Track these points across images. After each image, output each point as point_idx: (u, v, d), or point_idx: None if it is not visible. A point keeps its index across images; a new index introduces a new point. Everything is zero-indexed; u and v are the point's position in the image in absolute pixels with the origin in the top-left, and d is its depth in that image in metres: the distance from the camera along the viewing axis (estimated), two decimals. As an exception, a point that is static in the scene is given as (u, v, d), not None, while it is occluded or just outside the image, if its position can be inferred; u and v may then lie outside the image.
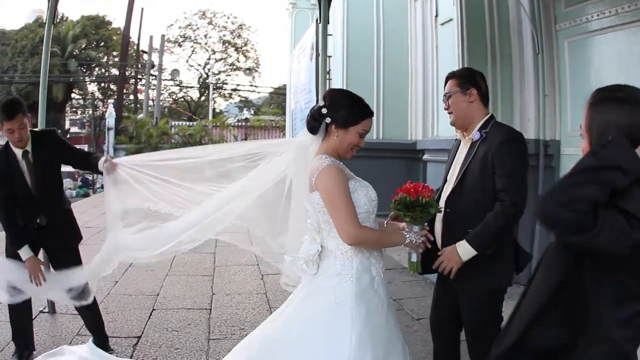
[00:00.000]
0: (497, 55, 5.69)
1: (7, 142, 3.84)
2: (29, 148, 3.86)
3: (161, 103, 33.03)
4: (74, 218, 4.19)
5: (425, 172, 7.16)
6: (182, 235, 3.25)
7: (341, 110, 2.50)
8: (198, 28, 38.39)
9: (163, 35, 32.64)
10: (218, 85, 37.34)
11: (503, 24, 5.73)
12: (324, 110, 2.51)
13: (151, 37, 33.98)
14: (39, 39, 35.51)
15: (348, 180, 2.43)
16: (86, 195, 21.82)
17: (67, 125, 37.55)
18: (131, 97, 35.13)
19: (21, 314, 3.97)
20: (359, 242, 2.41)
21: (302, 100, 12.10)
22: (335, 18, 9.75)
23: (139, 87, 33.94)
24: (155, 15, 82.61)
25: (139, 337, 4.51)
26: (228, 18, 38.55)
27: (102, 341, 4.07)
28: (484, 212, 2.75)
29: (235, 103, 39.27)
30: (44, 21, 5.23)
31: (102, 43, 36.21)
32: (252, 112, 38.06)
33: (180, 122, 27.50)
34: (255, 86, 39.06)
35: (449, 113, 3.03)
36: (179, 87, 37.75)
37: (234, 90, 38.16)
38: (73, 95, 38.47)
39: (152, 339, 4.47)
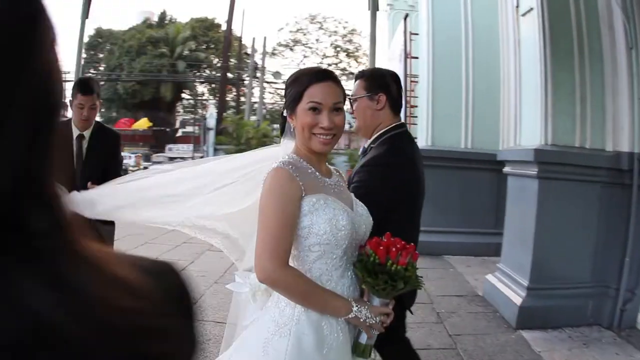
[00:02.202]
0: (585, 50, 4.78)
1: (70, 120, 3.83)
2: (86, 134, 3.85)
3: (270, 106, 33.54)
4: (113, 222, 3.94)
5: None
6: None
7: (286, 94, 2.01)
8: (309, 32, 38.71)
9: (265, 37, 33.14)
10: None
11: (591, 14, 4.82)
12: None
13: (253, 39, 34.70)
14: (146, 39, 37.48)
15: (305, 194, 1.83)
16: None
17: (177, 125, 39.10)
18: (241, 98, 35.85)
19: None
20: (272, 284, 1.84)
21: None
22: (420, 15, 9.01)
23: (244, 89, 34.56)
24: (263, 17, 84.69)
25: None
26: (339, 23, 38.56)
27: None
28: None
29: (348, 109, 38.45)
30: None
31: (212, 45, 37.33)
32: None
33: None
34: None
35: (353, 118, 2.76)
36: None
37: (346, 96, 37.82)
38: (183, 95, 40.13)
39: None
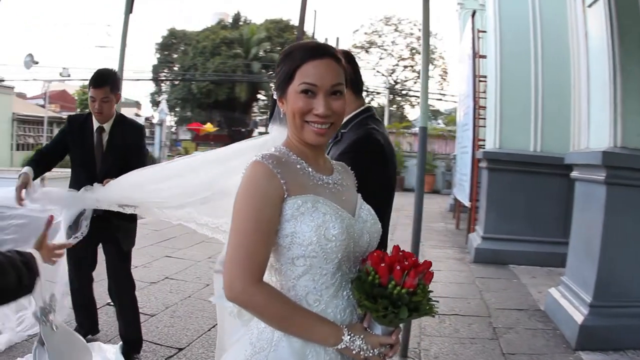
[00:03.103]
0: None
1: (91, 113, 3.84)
2: (106, 127, 3.83)
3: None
4: (135, 221, 3.99)
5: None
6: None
7: (277, 72, 1.65)
8: (384, 34, 38.34)
9: (338, 38, 32.97)
10: (404, 92, 36.85)
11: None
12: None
13: (326, 40, 34.62)
14: (220, 40, 38.17)
15: (288, 195, 1.50)
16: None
17: (250, 125, 39.62)
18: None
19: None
20: (243, 305, 1.52)
21: (464, 107, 11.02)
22: (487, 12, 8.57)
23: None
24: (337, 19, 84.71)
25: (180, 349, 4.21)
26: (414, 25, 37.89)
27: (128, 349, 3.88)
28: None
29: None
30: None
31: (287, 46, 37.72)
32: (440, 121, 36.70)
33: None
34: (443, 94, 37.76)
35: None
36: (366, 93, 37.91)
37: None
38: (259, 96, 40.66)
39: (192, 355, 4.13)
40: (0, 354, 3.81)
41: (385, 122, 27.39)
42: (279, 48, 38.46)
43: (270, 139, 1.85)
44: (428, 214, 12.80)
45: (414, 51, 38.14)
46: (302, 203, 1.51)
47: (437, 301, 1.57)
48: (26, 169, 3.53)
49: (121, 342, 3.89)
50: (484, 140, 9.06)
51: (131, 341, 3.91)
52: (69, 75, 32.22)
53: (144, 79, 40.80)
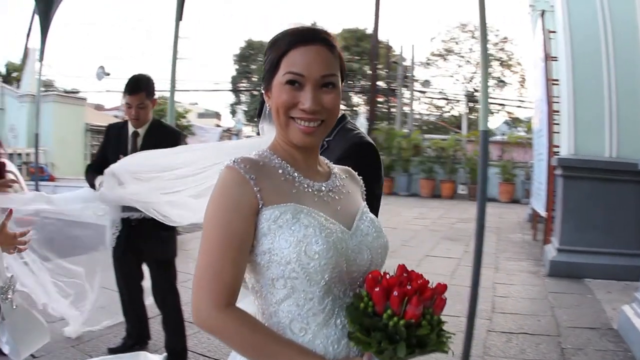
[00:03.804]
0: None
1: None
2: (141, 131, 3.86)
3: (425, 116, 33.04)
4: (172, 229, 3.93)
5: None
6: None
7: (264, 63, 1.45)
8: (461, 41, 37.68)
9: (413, 46, 32.70)
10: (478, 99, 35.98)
11: None
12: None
13: (401, 47, 34.49)
14: None
15: (264, 205, 1.30)
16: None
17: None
18: (393, 109, 35.65)
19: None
20: (210, 331, 1.30)
21: (539, 112, 10.58)
22: (556, 12, 8.19)
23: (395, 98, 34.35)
24: (414, 26, 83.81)
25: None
26: (491, 31, 36.99)
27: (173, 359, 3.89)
28: None
29: (506, 120, 37.01)
30: None
31: (366, 56, 37.34)
32: (520, 129, 35.58)
33: (434, 136, 26.62)
34: (522, 101, 36.62)
35: None
36: (446, 101, 37.46)
37: (501, 105, 36.39)
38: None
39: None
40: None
41: (464, 130, 26.77)
42: (357, 57, 38.57)
43: (262, 142, 1.58)
44: (506, 225, 12.42)
45: (491, 57, 37.26)
46: (280, 214, 1.30)
47: (452, 335, 1.29)
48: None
49: (166, 353, 3.90)
50: (558, 146, 8.65)
51: (176, 352, 3.92)
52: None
53: (222, 89, 41.91)
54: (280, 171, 1.37)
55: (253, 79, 44.35)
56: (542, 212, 9.29)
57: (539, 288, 6.84)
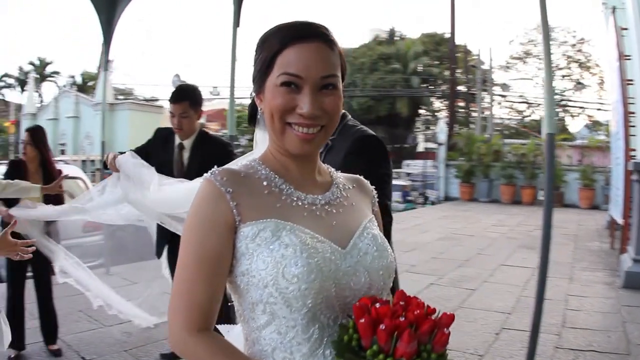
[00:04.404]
0: None
1: None
2: (187, 144, 3.85)
3: (507, 120, 32.21)
4: None
5: None
6: None
7: (254, 64, 1.29)
8: (539, 43, 36.56)
9: (490, 49, 31.98)
10: (562, 103, 34.61)
11: None
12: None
13: (479, 51, 33.81)
14: (377, 56, 38.48)
15: (241, 222, 1.17)
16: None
17: (409, 141, 39.34)
18: (474, 113, 34.96)
19: None
20: (181, 355, 1.18)
21: (615, 115, 10.06)
22: (627, 8, 7.76)
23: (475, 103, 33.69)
24: (493, 29, 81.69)
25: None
26: (568, 32, 35.74)
27: None
28: None
29: (586, 124, 35.55)
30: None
31: (446, 60, 36.84)
32: (600, 133, 34.14)
33: (515, 141, 25.92)
34: (601, 104, 35.02)
35: None
36: (526, 105, 36.41)
37: (582, 108, 34.99)
38: (420, 111, 40.28)
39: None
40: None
41: (544, 134, 25.82)
42: (436, 62, 38.21)
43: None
44: (585, 232, 11.94)
45: (569, 59, 35.90)
46: (259, 231, 1.17)
47: None
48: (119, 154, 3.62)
49: None
50: (634, 150, 8.18)
51: None
52: (218, 94, 33.39)
53: None
54: (265, 183, 1.25)
55: None
56: (619, 219, 8.82)
57: (612, 301, 6.50)
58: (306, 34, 1.20)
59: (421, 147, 41.71)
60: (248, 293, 1.18)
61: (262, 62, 1.23)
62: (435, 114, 39.38)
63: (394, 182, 23.57)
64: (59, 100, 36.48)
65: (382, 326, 0.99)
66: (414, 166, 32.03)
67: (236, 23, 5.24)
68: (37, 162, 4.45)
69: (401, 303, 1.08)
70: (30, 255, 2.76)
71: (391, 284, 1.29)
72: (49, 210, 4.00)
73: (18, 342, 4.24)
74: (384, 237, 1.33)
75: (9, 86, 51.75)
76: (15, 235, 3.44)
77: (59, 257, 4.17)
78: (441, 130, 23.63)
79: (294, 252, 1.13)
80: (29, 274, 4.45)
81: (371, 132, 2.23)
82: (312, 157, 1.31)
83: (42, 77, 49.79)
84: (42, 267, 4.35)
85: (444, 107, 38.19)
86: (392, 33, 42.92)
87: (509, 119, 39.31)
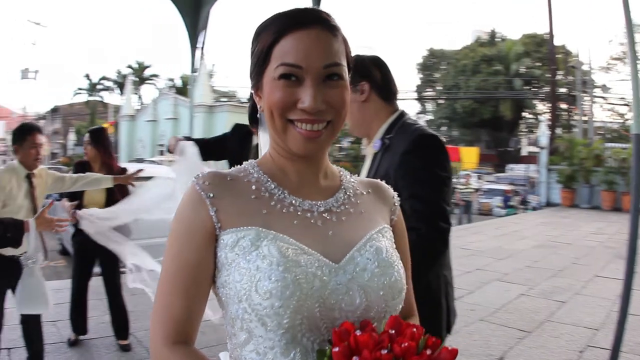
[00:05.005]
0: None
1: None
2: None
3: (607, 124, 30.76)
4: None
5: None
6: None
7: (250, 59, 1.17)
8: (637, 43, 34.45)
9: (589, 49, 30.54)
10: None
11: None
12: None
13: (577, 52, 32.39)
14: (480, 58, 37.66)
15: (222, 229, 1.08)
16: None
17: (511, 144, 38.30)
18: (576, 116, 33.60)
19: None
20: None
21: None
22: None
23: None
24: (590, 28, 77.10)
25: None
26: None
27: None
28: None
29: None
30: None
31: (546, 61, 35.53)
32: None
33: (615, 145, 24.63)
34: None
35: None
36: (628, 107, 34.49)
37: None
38: (524, 114, 39.13)
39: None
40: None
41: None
42: (537, 64, 37.14)
43: None
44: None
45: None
46: (239, 239, 1.06)
47: None
48: (183, 139, 3.67)
49: None
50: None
51: None
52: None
53: (407, 98, 42.50)
54: (253, 187, 1.14)
55: (438, 87, 44.28)
56: None
57: None
58: (304, 20, 1.08)
59: (525, 151, 40.67)
60: (228, 307, 1.08)
61: (258, 55, 1.12)
62: (538, 117, 38.18)
63: (496, 186, 22.75)
64: (158, 102, 37.62)
65: (355, 358, 0.86)
66: (517, 170, 31.54)
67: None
68: (99, 161, 4.74)
69: (391, 331, 0.92)
70: (65, 229, 3.42)
71: (399, 306, 1.13)
72: (110, 214, 4.29)
73: (80, 328, 4.76)
74: (393, 250, 1.17)
75: (107, 89, 54.16)
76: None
77: (127, 252, 4.26)
78: (543, 133, 22.90)
79: (270, 264, 1.01)
80: (97, 269, 4.83)
81: (431, 131, 2.07)
82: (317, 159, 1.18)
83: (141, 80, 51.70)
84: (110, 264, 4.69)
85: (547, 110, 37.01)
86: (493, 34, 42.20)
87: (610, 122, 37.50)
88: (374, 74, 2.19)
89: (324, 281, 1.04)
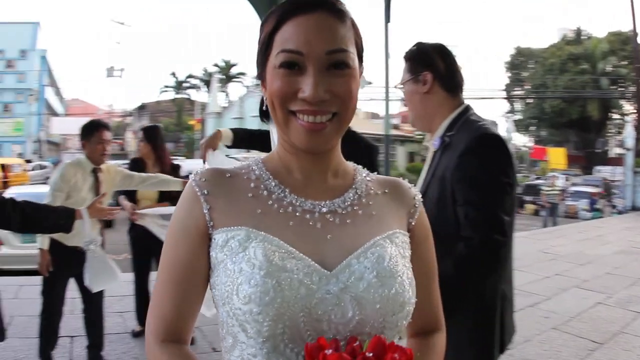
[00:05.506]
0: None
1: None
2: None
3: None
4: None
5: None
6: None
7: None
8: None
9: None
10: None
11: None
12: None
13: None
14: (567, 56, 36.58)
15: (214, 228, 1.04)
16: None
17: (606, 145, 36.92)
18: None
19: None
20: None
21: None
22: None
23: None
24: None
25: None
26: None
27: None
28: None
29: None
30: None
31: (632, 60, 34.19)
32: None
33: None
34: None
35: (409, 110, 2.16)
36: None
37: None
38: (611, 114, 37.77)
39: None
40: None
41: None
42: (624, 62, 35.89)
43: None
44: None
45: None
46: (228, 239, 1.02)
47: None
48: (225, 129, 3.13)
49: None
50: None
51: None
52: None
53: (496, 97, 41.89)
54: (252, 185, 1.09)
55: (526, 86, 43.48)
56: None
57: None
58: (306, 4, 1.01)
59: (613, 152, 39.23)
60: (217, 309, 1.06)
61: (261, 43, 1.06)
62: (625, 117, 36.78)
63: (582, 188, 22.30)
64: (244, 100, 37.86)
65: None
66: (604, 172, 30.69)
67: (387, 19, 5.23)
68: (152, 157, 4.91)
69: (368, 354, 0.84)
70: (115, 215, 3.61)
71: (402, 323, 1.03)
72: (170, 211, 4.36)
73: (144, 320, 5.29)
74: (401, 259, 1.06)
75: (194, 87, 55.80)
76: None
77: None
78: (629, 134, 22.15)
79: (252, 267, 0.96)
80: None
81: (494, 130, 1.88)
82: (324, 155, 1.10)
83: (228, 78, 52.80)
84: None
85: (634, 111, 35.59)
86: (579, 32, 41.01)
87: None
88: (437, 64, 2.03)
89: (310, 289, 0.96)
